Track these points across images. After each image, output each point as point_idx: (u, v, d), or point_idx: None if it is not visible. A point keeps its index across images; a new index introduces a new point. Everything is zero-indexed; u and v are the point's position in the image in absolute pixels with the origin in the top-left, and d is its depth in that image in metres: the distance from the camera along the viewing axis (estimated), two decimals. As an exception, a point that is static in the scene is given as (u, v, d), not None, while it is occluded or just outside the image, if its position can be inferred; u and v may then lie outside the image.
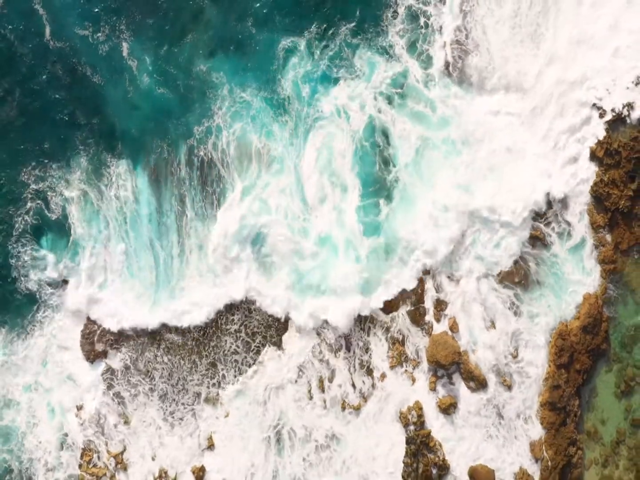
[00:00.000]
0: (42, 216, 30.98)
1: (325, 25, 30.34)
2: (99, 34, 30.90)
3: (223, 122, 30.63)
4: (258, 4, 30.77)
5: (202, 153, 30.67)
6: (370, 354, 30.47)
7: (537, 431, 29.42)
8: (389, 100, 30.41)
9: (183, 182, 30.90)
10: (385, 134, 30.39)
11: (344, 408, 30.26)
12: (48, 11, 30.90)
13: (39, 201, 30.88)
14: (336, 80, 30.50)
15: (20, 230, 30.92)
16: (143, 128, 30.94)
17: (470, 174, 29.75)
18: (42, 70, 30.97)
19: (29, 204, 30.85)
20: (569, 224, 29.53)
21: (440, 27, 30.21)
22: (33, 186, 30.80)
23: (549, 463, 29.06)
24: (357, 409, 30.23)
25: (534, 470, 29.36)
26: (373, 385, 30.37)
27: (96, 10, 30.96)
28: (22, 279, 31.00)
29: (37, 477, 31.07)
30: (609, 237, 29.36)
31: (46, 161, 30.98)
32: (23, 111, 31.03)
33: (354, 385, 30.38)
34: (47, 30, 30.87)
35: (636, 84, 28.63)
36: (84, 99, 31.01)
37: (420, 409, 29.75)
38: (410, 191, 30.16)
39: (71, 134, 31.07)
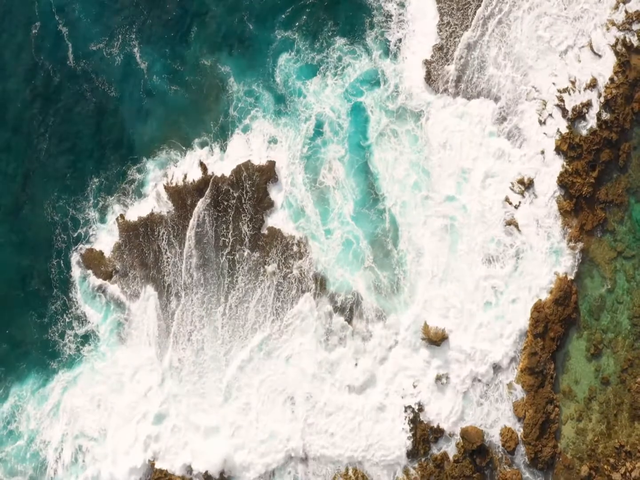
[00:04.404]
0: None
1: (315, 24, 32.55)
2: (113, 45, 32.92)
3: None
4: (255, 4, 32.98)
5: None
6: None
7: (518, 393, 31.65)
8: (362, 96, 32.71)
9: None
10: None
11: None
12: (70, 29, 33.08)
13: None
14: (319, 75, 32.55)
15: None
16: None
17: None
18: (67, 95, 33.14)
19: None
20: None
21: (407, 34, 32.64)
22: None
23: (530, 420, 31.22)
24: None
25: (517, 427, 31.64)
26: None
27: (109, 20, 32.96)
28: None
29: None
30: (575, 220, 31.69)
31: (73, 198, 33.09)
32: (53, 142, 33.14)
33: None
34: (70, 50, 33.04)
35: (592, 86, 31.53)
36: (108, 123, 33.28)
37: (417, 380, 31.85)
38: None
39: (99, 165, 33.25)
